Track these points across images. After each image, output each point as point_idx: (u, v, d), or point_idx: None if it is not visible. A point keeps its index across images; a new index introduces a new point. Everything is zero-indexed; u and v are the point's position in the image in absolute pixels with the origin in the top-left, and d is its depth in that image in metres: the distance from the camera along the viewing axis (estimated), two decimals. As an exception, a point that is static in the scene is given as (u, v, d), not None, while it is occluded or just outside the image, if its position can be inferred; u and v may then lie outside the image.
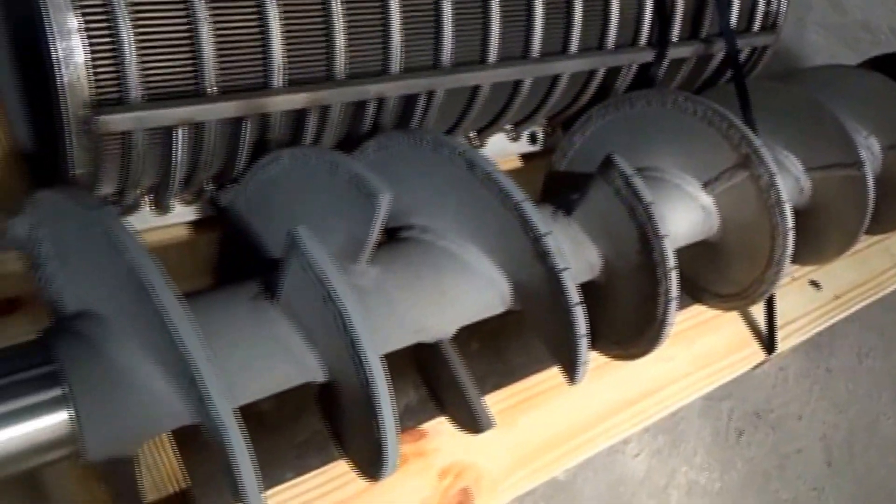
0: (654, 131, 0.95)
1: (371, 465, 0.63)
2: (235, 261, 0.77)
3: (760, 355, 1.13)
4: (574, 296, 0.68)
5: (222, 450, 0.49)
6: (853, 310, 1.31)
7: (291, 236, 0.55)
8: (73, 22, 0.57)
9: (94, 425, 0.53)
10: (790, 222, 0.90)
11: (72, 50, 0.57)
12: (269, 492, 0.73)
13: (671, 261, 0.77)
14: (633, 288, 0.81)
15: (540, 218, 0.67)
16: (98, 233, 0.51)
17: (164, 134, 0.67)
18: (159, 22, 0.62)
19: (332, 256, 0.55)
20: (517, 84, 0.91)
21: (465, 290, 0.74)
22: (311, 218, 0.66)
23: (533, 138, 1.10)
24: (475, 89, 0.87)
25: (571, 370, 0.74)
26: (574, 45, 0.93)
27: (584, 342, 0.70)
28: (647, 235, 0.77)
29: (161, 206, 0.78)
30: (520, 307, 0.77)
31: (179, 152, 0.68)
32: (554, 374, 0.93)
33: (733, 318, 1.13)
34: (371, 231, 0.63)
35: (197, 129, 0.68)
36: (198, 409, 0.51)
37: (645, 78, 1.07)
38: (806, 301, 1.24)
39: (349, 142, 0.82)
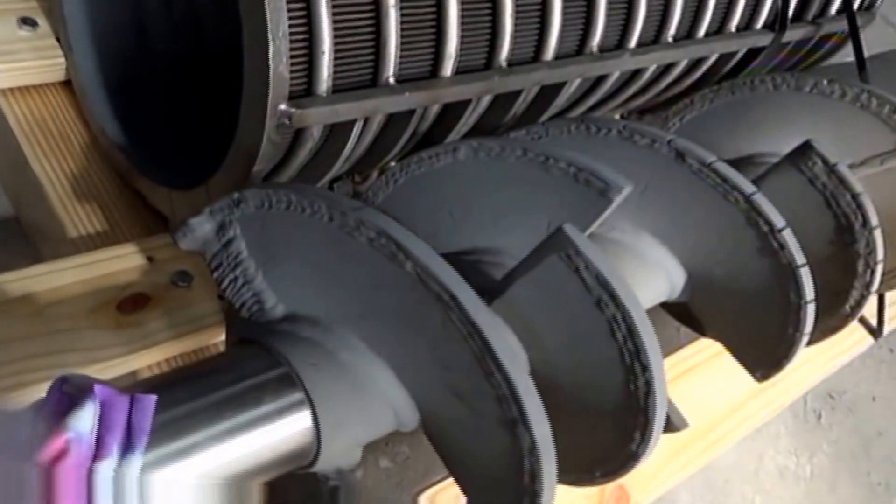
0: (779, 116, 0.97)
1: (604, 469, 0.62)
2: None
3: (867, 340, 1.17)
4: (810, 292, 0.70)
5: (534, 470, 0.50)
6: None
7: (562, 233, 0.55)
8: (284, 8, 0.57)
9: (333, 430, 0.54)
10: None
11: (283, 34, 0.57)
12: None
13: (880, 253, 0.79)
14: (824, 271, 0.82)
15: (773, 210, 0.69)
16: (361, 236, 0.52)
17: (333, 129, 0.67)
18: (353, 8, 0.63)
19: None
20: (637, 72, 0.93)
21: (643, 285, 0.75)
22: (503, 212, 0.67)
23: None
24: (603, 77, 0.89)
25: (771, 367, 0.76)
26: (702, 30, 0.95)
27: (805, 340, 0.72)
28: (851, 226, 0.78)
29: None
30: (686, 300, 0.78)
31: (346, 148, 0.69)
32: (678, 363, 0.96)
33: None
34: (593, 226, 0.64)
35: (364, 122, 0.69)
36: (497, 428, 0.51)
37: (740, 66, 1.10)
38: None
39: (480, 133, 0.84)
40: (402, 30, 0.66)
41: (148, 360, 0.71)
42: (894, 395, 1.48)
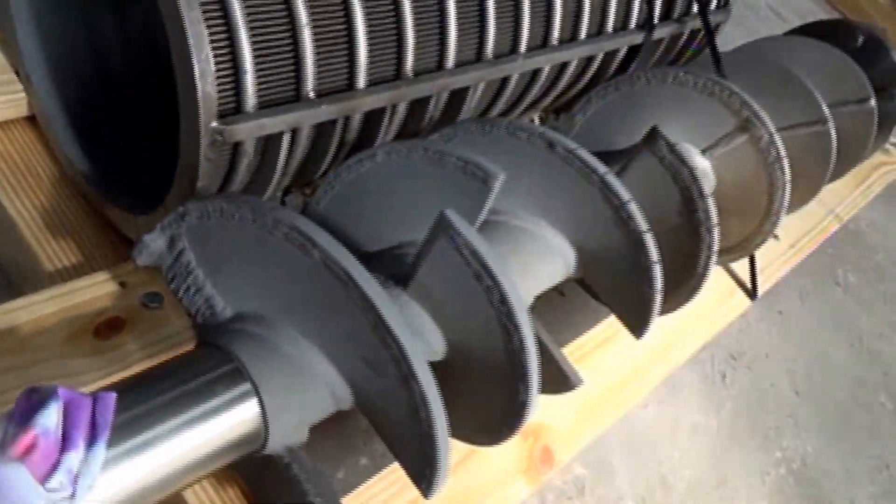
0: (653, 106, 1.00)
1: (495, 429, 0.65)
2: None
3: (745, 302, 1.22)
4: (655, 254, 0.73)
5: (424, 421, 0.51)
6: (804, 255, 1.42)
7: (443, 219, 0.57)
8: (205, 28, 0.57)
9: (279, 414, 0.54)
10: (788, 175, 0.98)
11: (206, 58, 0.57)
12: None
13: (714, 217, 0.83)
14: (673, 246, 0.86)
15: (620, 187, 0.72)
16: (279, 233, 0.52)
17: (267, 140, 0.67)
18: (271, 29, 0.63)
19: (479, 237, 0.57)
20: (536, 73, 0.95)
21: (539, 264, 0.78)
22: (415, 207, 0.68)
23: (542, 120, 1.15)
24: (505, 80, 0.90)
25: (641, 323, 0.79)
26: (583, 32, 0.97)
27: (659, 297, 0.75)
28: (691, 197, 0.82)
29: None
30: (580, 274, 0.81)
31: (280, 157, 0.68)
32: (591, 338, 0.98)
33: (718, 273, 1.21)
34: (482, 211, 0.65)
35: (293, 133, 0.68)
36: (386, 387, 0.52)
37: (629, 62, 1.13)
38: (770, 251, 1.34)
39: (402, 138, 0.84)
40: (317, 48, 0.66)
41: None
42: (781, 352, 1.53)
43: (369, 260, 0.70)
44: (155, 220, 0.70)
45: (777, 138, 0.96)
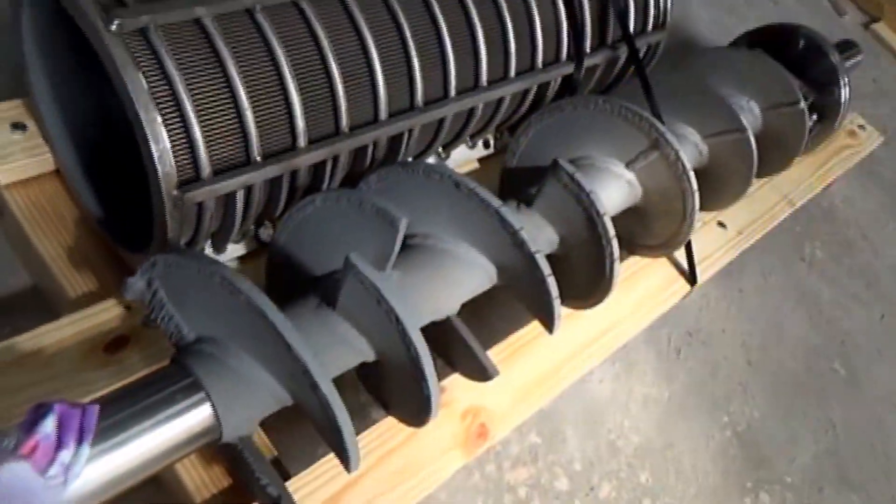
0: (583, 129, 1.12)
1: (417, 415, 0.79)
2: (280, 281, 0.92)
3: (686, 288, 1.32)
4: (546, 270, 0.85)
5: (330, 417, 0.65)
6: (753, 240, 1.50)
7: (348, 260, 0.71)
8: (159, 118, 0.71)
9: (228, 414, 0.69)
10: (695, 185, 1.09)
11: (163, 143, 0.71)
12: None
13: (611, 231, 0.94)
14: (585, 255, 0.99)
15: (513, 216, 0.84)
16: (216, 280, 0.66)
17: (226, 196, 0.81)
18: (217, 108, 0.76)
19: (378, 272, 0.70)
20: (472, 110, 1.06)
21: (463, 277, 0.91)
22: (344, 242, 0.81)
23: (486, 144, 1.27)
24: (441, 121, 1.02)
25: (550, 324, 0.91)
26: (512, 71, 1.08)
27: (556, 302, 0.88)
28: (591, 216, 0.94)
29: (219, 249, 0.92)
30: (503, 283, 0.93)
31: (237, 208, 0.82)
32: (532, 329, 1.11)
33: (662, 263, 1.31)
34: (394, 247, 0.79)
35: (248, 189, 0.82)
36: (305, 391, 0.66)
37: (568, 85, 1.23)
38: (716, 239, 1.43)
39: (352, 178, 0.97)
40: (258, 119, 0.80)
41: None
42: (740, 325, 1.62)
43: (315, 282, 0.84)
44: (140, 261, 0.85)
45: (682, 154, 1.06)
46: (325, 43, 0.84)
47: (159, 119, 0.71)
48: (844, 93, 1.57)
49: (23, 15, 0.86)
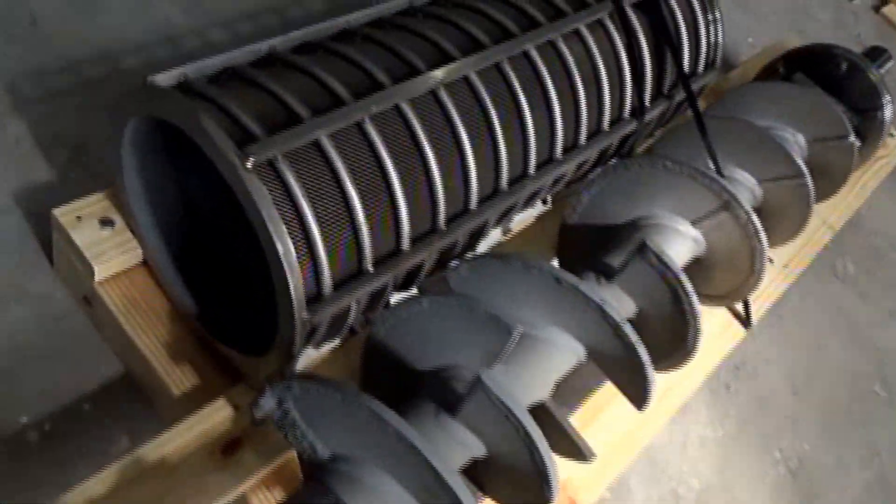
0: (648, 187, 1.16)
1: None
2: (378, 371, 0.97)
3: (741, 332, 1.38)
4: (647, 358, 0.91)
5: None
6: (798, 271, 1.57)
7: (478, 378, 0.76)
8: (293, 249, 0.75)
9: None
10: (766, 244, 1.14)
11: (297, 273, 0.76)
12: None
13: (698, 308, 1.00)
14: (667, 328, 1.04)
15: (616, 311, 0.89)
16: (362, 411, 0.71)
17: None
18: (335, 227, 0.81)
19: (511, 392, 0.76)
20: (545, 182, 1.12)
21: (556, 362, 0.96)
22: (453, 341, 0.87)
23: (544, 201, 1.31)
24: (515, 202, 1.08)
25: (641, 402, 0.97)
26: (583, 138, 1.13)
27: (654, 388, 0.93)
28: (678, 294, 0.99)
29: (319, 346, 0.97)
30: (590, 360, 0.99)
31: (350, 318, 0.88)
32: (605, 392, 1.16)
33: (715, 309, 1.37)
34: (506, 352, 0.84)
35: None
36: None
37: (626, 139, 1.28)
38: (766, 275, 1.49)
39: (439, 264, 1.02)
40: (371, 232, 0.85)
41: (248, 485, 0.89)
42: (783, 354, 1.68)
43: (421, 377, 0.90)
44: (257, 364, 0.90)
45: (754, 216, 1.12)
46: (426, 145, 0.89)
47: (294, 250, 0.76)
48: (887, 114, 1.61)
49: (127, 126, 0.89)
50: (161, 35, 1.52)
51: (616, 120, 1.21)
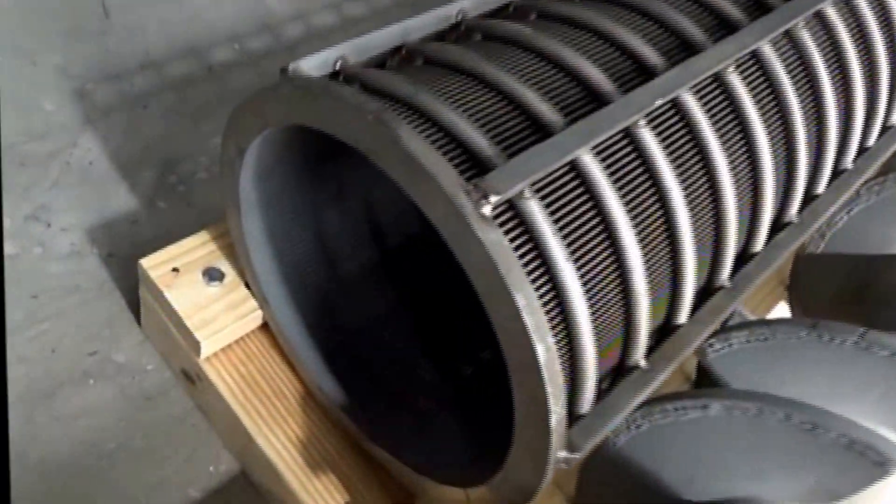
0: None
1: None
2: (606, 494, 0.66)
3: None
4: None
5: None
6: None
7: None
8: (552, 341, 0.44)
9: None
10: None
11: (556, 383, 0.44)
12: None
13: None
14: None
15: None
16: None
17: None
18: (605, 303, 0.49)
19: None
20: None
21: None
22: (759, 467, 0.55)
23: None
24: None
25: None
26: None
27: None
28: None
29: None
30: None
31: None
32: None
33: None
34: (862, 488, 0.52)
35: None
36: None
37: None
38: None
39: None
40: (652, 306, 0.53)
41: None
42: None
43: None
44: (436, 490, 0.60)
45: None
46: (717, 158, 0.56)
47: (556, 353, 0.44)
48: None
49: (250, 144, 0.59)
50: (256, 22, 1.22)
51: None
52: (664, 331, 0.58)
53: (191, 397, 0.80)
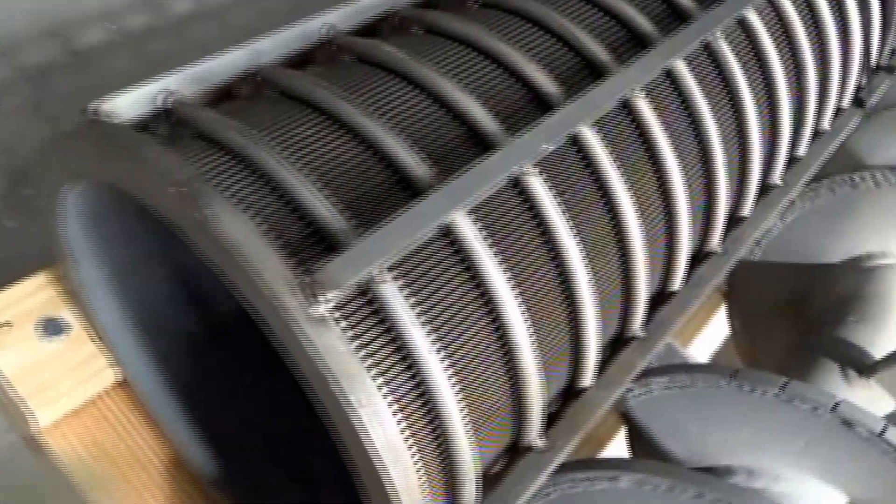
0: (867, 215, 0.79)
1: None
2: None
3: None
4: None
5: None
6: None
7: None
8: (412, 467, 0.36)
9: None
10: None
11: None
12: None
13: None
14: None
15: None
16: None
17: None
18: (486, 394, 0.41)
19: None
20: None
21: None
22: None
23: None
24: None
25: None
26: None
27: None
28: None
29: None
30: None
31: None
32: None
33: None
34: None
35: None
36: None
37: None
38: None
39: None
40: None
41: None
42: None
43: None
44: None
45: None
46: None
47: (415, 475, 0.36)
48: None
49: (71, 199, 0.48)
50: None
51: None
52: (568, 394, 0.50)
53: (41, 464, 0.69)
